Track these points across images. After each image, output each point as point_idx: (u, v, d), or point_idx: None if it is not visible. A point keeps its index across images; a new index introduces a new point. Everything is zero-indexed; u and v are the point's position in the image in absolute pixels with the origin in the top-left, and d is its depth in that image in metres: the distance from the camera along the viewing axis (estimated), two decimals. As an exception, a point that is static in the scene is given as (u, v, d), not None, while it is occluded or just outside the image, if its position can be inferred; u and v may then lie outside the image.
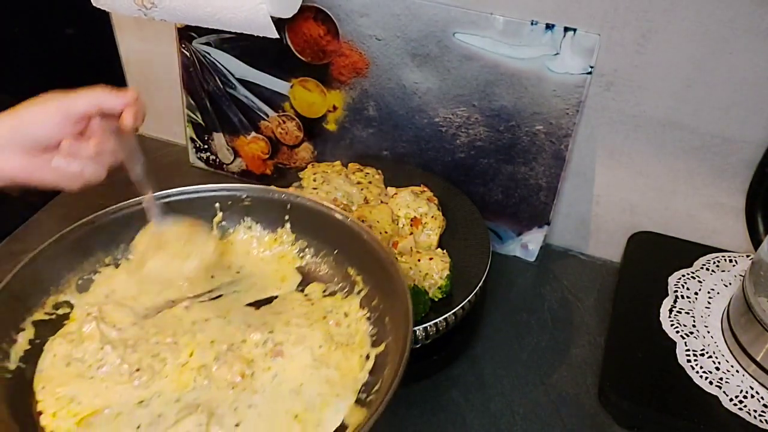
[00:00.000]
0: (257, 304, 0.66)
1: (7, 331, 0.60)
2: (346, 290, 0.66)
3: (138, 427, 0.55)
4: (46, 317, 0.63)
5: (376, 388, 0.57)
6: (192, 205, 0.69)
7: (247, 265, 0.70)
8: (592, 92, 0.77)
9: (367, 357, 0.60)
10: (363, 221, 0.76)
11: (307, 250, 0.70)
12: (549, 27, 0.73)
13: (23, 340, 0.61)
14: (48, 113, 0.60)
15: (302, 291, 0.67)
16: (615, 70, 0.75)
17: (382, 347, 0.59)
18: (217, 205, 0.70)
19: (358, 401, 0.57)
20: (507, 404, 0.72)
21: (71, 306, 0.65)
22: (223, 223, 0.71)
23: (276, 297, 0.67)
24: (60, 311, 0.64)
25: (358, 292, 0.65)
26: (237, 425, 0.55)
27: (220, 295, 0.67)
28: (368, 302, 0.64)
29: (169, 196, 0.68)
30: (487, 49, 0.77)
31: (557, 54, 0.74)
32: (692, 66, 0.72)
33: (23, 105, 0.60)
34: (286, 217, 0.69)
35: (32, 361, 0.60)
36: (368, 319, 0.63)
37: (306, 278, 0.68)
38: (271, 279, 0.68)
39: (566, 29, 0.73)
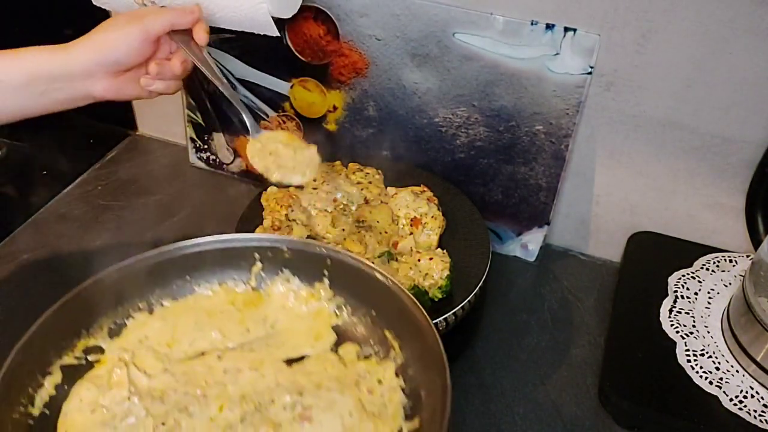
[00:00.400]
0: (289, 361, 0.64)
1: (34, 375, 0.59)
2: (381, 355, 0.63)
3: None
4: (75, 362, 0.62)
5: None
6: (230, 254, 0.68)
7: (282, 319, 0.67)
8: (592, 92, 0.77)
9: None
10: (363, 221, 0.76)
11: (344, 308, 0.67)
12: (549, 27, 0.73)
13: (50, 385, 0.59)
14: (129, 38, 0.63)
15: (336, 351, 0.65)
16: (615, 70, 0.75)
17: (416, 423, 0.56)
18: (257, 255, 0.68)
19: None
20: (507, 404, 0.72)
21: (102, 351, 0.64)
22: (262, 274, 0.69)
23: (309, 355, 0.65)
24: (90, 356, 0.63)
25: (394, 359, 0.62)
26: None
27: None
28: (404, 371, 0.60)
29: (208, 243, 0.67)
30: (487, 49, 0.77)
31: (557, 54, 0.74)
32: (692, 66, 0.72)
33: (101, 30, 0.64)
34: (325, 272, 0.67)
35: (57, 405, 0.59)
36: (403, 390, 0.59)
37: (341, 338, 0.66)
38: (305, 336, 0.66)
39: (566, 29, 0.73)
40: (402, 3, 0.77)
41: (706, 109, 0.74)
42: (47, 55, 0.62)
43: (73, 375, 0.61)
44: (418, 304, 0.59)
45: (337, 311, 0.67)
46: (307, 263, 0.67)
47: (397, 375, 0.61)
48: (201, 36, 0.67)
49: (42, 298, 0.81)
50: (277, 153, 0.70)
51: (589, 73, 0.74)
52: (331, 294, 0.68)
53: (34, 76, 0.61)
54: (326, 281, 0.67)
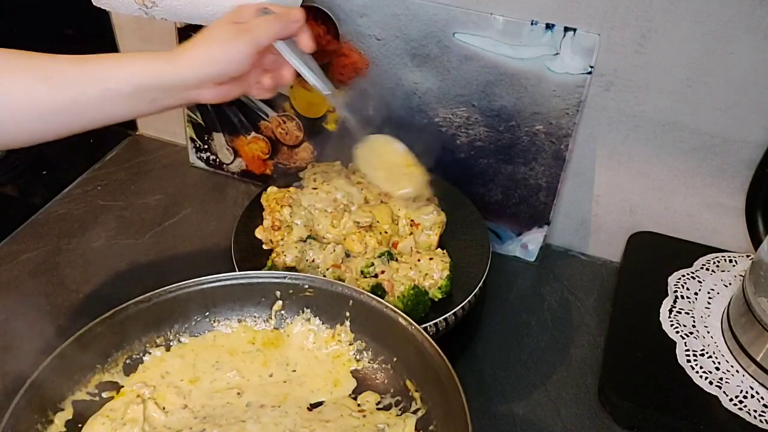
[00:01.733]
0: (308, 406, 0.62)
1: (44, 411, 0.57)
2: (401, 406, 0.61)
3: None
4: (88, 398, 0.60)
5: None
6: (251, 290, 0.66)
7: (302, 362, 0.65)
8: (592, 92, 0.77)
9: None
10: (363, 221, 0.76)
11: (365, 353, 0.65)
12: (549, 27, 0.73)
13: (60, 421, 0.58)
14: (240, 53, 0.62)
15: (355, 399, 0.63)
16: (615, 70, 0.75)
17: None
18: (278, 293, 0.67)
19: None
20: (507, 404, 0.72)
21: (117, 387, 0.62)
22: (282, 312, 0.67)
23: (326, 401, 0.63)
24: (105, 393, 0.61)
25: (415, 411, 0.59)
26: None
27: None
28: (425, 425, 0.58)
29: (229, 279, 0.66)
30: (487, 49, 0.77)
31: (557, 54, 0.74)
32: (692, 66, 0.72)
33: (209, 42, 0.63)
34: (347, 314, 0.65)
35: None
36: None
37: (360, 384, 0.64)
38: (323, 381, 0.64)
39: (566, 29, 0.73)
40: (402, 3, 0.77)
41: (706, 109, 0.74)
42: (155, 67, 0.61)
43: (85, 411, 0.59)
44: (441, 353, 0.57)
45: (357, 356, 0.66)
46: (330, 303, 0.66)
47: (417, 430, 0.58)
48: (307, 44, 0.67)
49: (42, 298, 0.82)
50: (385, 159, 0.71)
51: (589, 72, 0.74)
52: (352, 337, 0.66)
53: (143, 87, 0.61)
54: (348, 323, 0.66)
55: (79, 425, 0.58)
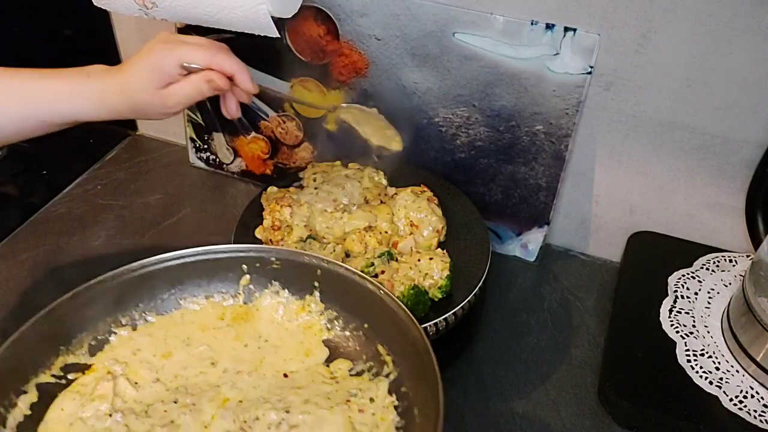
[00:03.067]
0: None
1: (7, 394, 0.55)
2: (374, 371, 0.61)
3: None
4: (53, 380, 0.59)
5: None
6: (217, 266, 0.65)
7: (273, 335, 0.65)
8: (591, 92, 0.77)
9: None
10: (363, 222, 0.76)
11: (335, 321, 0.65)
12: (549, 27, 0.73)
13: (24, 405, 0.56)
14: (154, 112, 0.64)
15: (327, 366, 0.63)
16: (615, 70, 0.75)
17: None
18: (245, 266, 0.66)
19: None
20: (506, 404, 0.72)
21: (83, 368, 0.61)
22: (250, 286, 0.67)
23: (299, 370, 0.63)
24: (70, 375, 0.60)
25: (387, 375, 0.60)
26: None
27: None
28: (397, 388, 0.58)
29: (192, 255, 0.65)
30: (487, 49, 0.77)
31: (557, 54, 0.74)
32: (692, 66, 0.72)
33: (129, 85, 0.63)
34: (316, 284, 0.65)
35: (31, 426, 0.56)
36: (396, 408, 0.57)
37: (333, 353, 0.64)
38: (295, 351, 0.64)
39: (566, 29, 0.73)
40: (402, 3, 0.77)
41: (706, 109, 0.74)
42: (89, 102, 0.63)
43: (51, 393, 0.58)
44: (412, 316, 0.57)
45: (328, 325, 0.65)
46: (297, 275, 0.65)
47: (390, 393, 0.59)
48: (231, 111, 0.70)
49: (42, 298, 0.82)
50: (364, 122, 0.74)
51: (589, 72, 0.74)
52: (323, 307, 0.66)
53: (79, 121, 0.63)
54: (317, 294, 0.65)
55: (43, 407, 0.58)
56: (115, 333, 0.64)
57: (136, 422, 0.56)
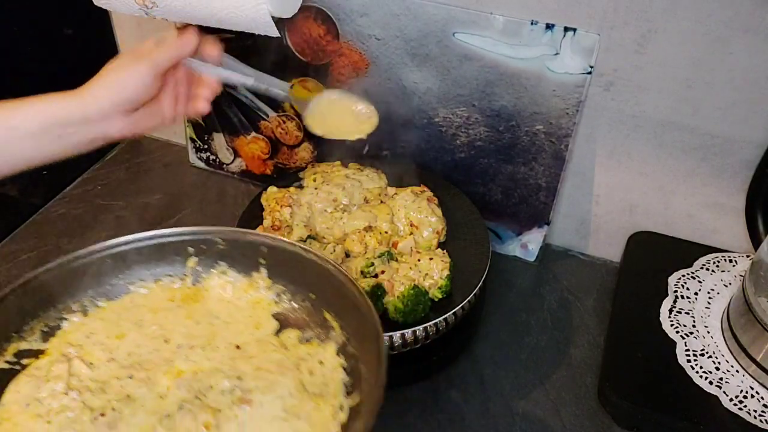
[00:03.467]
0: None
1: None
2: (322, 337, 0.63)
3: None
4: (7, 366, 0.59)
5: None
6: (163, 250, 0.66)
7: (223, 313, 0.66)
8: (592, 92, 0.77)
9: (341, 408, 0.56)
10: (363, 222, 0.76)
11: (283, 295, 0.66)
12: (549, 27, 0.73)
13: None
14: (140, 76, 0.63)
15: (278, 336, 0.64)
16: (615, 70, 0.75)
17: (356, 398, 0.56)
18: (191, 249, 0.66)
19: None
20: (506, 404, 0.72)
21: (37, 354, 0.61)
22: (198, 268, 0.67)
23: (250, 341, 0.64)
24: (24, 360, 0.60)
25: (335, 339, 0.62)
26: None
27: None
28: (344, 349, 0.61)
29: (139, 240, 0.66)
30: (487, 49, 0.77)
31: (557, 54, 0.74)
32: (692, 66, 0.72)
33: (110, 71, 0.64)
34: (262, 261, 0.66)
35: None
36: (344, 368, 0.59)
37: (282, 324, 0.65)
38: (245, 326, 0.65)
39: (566, 29, 0.73)
40: (402, 3, 0.77)
41: (706, 109, 0.74)
42: (61, 101, 0.62)
43: (5, 380, 0.59)
44: (354, 280, 0.60)
45: (276, 299, 0.66)
46: (243, 253, 0.66)
47: (338, 354, 0.61)
48: (213, 54, 0.69)
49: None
50: (333, 113, 0.72)
51: (589, 72, 0.74)
52: (270, 282, 0.67)
53: (50, 122, 0.61)
54: (263, 270, 0.66)
55: (2, 391, 0.59)
56: (67, 319, 0.64)
57: (93, 398, 0.58)
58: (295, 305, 0.65)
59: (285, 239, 0.65)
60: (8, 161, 0.61)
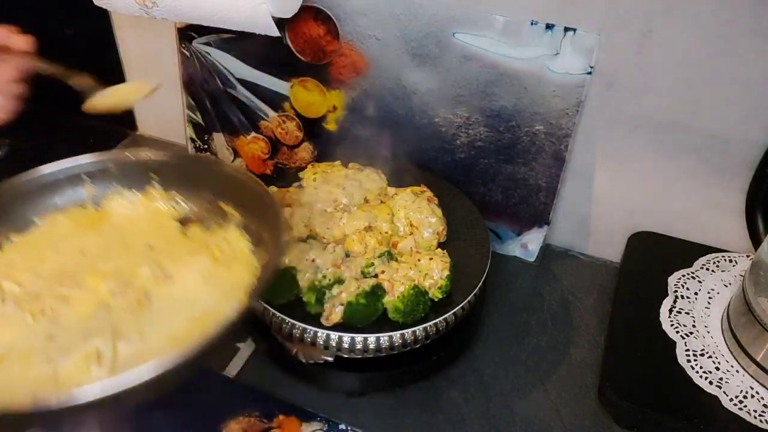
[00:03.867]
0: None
1: None
2: (222, 223, 0.70)
3: (47, 357, 0.56)
4: None
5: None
6: (60, 182, 0.70)
7: (128, 228, 0.71)
8: (592, 92, 0.77)
9: (253, 268, 0.63)
10: (363, 222, 0.76)
11: (179, 201, 0.72)
12: (549, 27, 0.73)
13: None
14: None
15: (183, 233, 0.70)
16: (615, 70, 0.75)
17: (264, 256, 0.63)
18: (86, 177, 0.71)
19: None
20: (506, 404, 0.72)
21: None
22: (96, 193, 0.71)
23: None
24: None
25: (235, 222, 0.69)
26: (141, 334, 0.58)
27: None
28: (245, 227, 0.68)
29: (33, 175, 0.69)
30: (487, 49, 0.77)
31: (557, 54, 0.74)
32: (692, 66, 0.72)
33: None
34: (153, 176, 0.72)
35: None
36: (249, 240, 0.67)
37: (186, 223, 0.71)
38: (153, 234, 0.71)
39: (566, 29, 0.73)
40: (402, 3, 0.77)
41: (706, 109, 0.74)
42: None
43: None
44: (238, 168, 0.68)
45: (174, 205, 0.72)
46: (134, 172, 0.72)
47: (240, 232, 0.68)
48: (19, 43, 0.70)
49: (42, 298, 0.81)
50: (114, 93, 0.74)
51: (589, 73, 0.74)
52: (164, 193, 0.72)
53: None
54: (156, 183, 0.71)
55: None
56: None
57: (30, 304, 0.61)
58: (193, 206, 0.72)
59: (168, 153, 0.73)
60: None
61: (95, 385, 0.46)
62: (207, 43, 0.90)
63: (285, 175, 0.91)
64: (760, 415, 0.65)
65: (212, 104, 0.96)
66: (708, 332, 0.73)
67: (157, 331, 0.58)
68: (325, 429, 0.68)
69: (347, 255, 0.74)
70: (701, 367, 0.70)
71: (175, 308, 0.60)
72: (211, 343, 0.49)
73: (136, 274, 0.63)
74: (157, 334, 0.58)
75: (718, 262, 0.81)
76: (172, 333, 0.57)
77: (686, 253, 0.82)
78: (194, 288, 0.62)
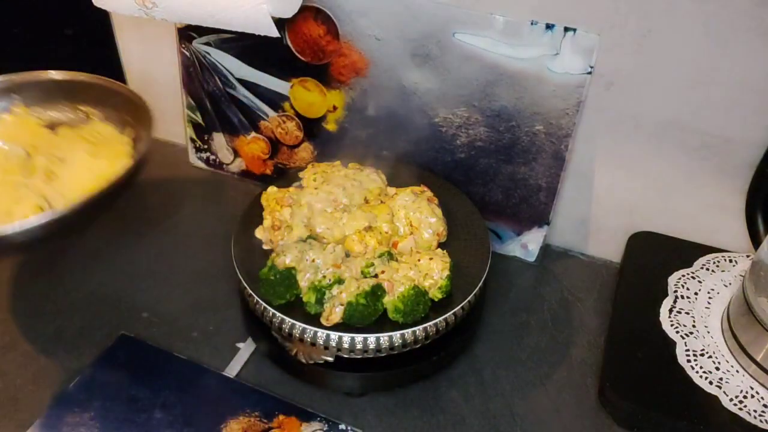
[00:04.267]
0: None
1: None
2: (86, 121, 0.84)
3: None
4: None
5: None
6: None
7: (7, 142, 0.83)
8: (592, 92, 0.77)
9: (126, 142, 0.81)
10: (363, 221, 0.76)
11: (41, 111, 0.84)
12: (549, 27, 0.73)
13: None
14: None
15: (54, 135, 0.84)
16: (615, 70, 0.75)
17: (133, 132, 0.78)
18: None
19: None
20: (507, 404, 0.72)
21: None
22: None
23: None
24: None
25: (97, 116, 0.83)
26: (62, 196, 0.75)
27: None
28: (108, 119, 0.83)
29: None
30: (487, 49, 0.77)
31: (557, 54, 0.74)
32: (692, 66, 0.72)
33: None
34: (13, 95, 0.83)
35: None
36: (114, 127, 0.82)
37: (53, 129, 0.83)
38: (24, 141, 0.82)
39: (566, 29, 0.73)
40: (402, 3, 0.77)
41: (706, 109, 0.74)
42: None
43: None
44: (85, 74, 0.82)
45: (37, 116, 0.85)
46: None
47: (104, 124, 0.83)
48: None
49: (42, 299, 0.82)
50: None
51: (589, 72, 0.74)
52: (26, 108, 0.84)
53: None
54: (18, 101, 0.83)
55: None
56: None
57: None
58: (56, 114, 0.85)
59: (24, 75, 0.85)
60: None
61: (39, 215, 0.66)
62: (207, 43, 0.90)
63: (285, 175, 0.91)
64: (760, 415, 0.65)
65: (212, 104, 0.96)
66: (708, 332, 0.73)
67: (69, 191, 0.78)
68: (325, 429, 0.68)
69: (347, 255, 0.74)
70: (701, 367, 0.70)
71: (77, 176, 0.79)
72: (113, 185, 0.71)
73: (35, 165, 0.78)
74: (71, 193, 0.77)
75: (718, 262, 0.81)
76: (82, 190, 0.73)
77: (686, 253, 0.82)
78: (85, 162, 0.79)
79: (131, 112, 0.81)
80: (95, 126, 0.84)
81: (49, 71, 0.85)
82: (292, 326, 0.68)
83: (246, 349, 0.77)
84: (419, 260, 0.72)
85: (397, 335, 0.67)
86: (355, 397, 0.72)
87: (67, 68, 0.94)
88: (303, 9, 0.80)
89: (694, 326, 0.74)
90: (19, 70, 0.92)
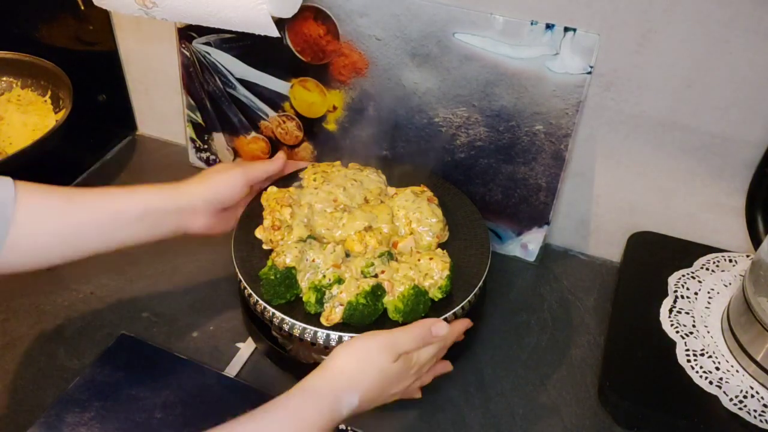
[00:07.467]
0: None
1: None
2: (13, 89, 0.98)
3: None
4: None
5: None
6: None
7: None
8: (591, 92, 0.77)
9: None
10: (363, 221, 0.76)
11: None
12: (549, 27, 0.73)
13: None
14: (233, 179, 0.75)
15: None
16: (615, 70, 0.75)
17: (65, 110, 0.90)
18: None
19: None
20: (507, 404, 0.72)
21: None
22: None
23: None
24: None
25: (19, 86, 0.98)
26: (9, 145, 0.90)
27: None
28: (31, 86, 0.98)
29: None
30: (487, 49, 0.77)
31: (557, 54, 0.74)
32: (692, 66, 0.72)
33: (208, 173, 0.75)
34: None
35: None
36: (38, 93, 0.97)
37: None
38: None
39: (566, 29, 0.73)
40: (402, 3, 0.77)
41: (706, 109, 0.74)
42: (159, 192, 0.70)
43: None
44: (10, 52, 0.94)
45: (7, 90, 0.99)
46: None
47: (26, 90, 0.98)
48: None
49: (42, 298, 0.82)
50: None
51: (589, 72, 0.74)
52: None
53: (149, 210, 0.68)
54: None
55: None
56: None
57: None
58: (23, 83, 0.99)
59: None
60: (109, 242, 0.68)
61: None
62: (207, 43, 0.90)
63: (285, 175, 0.91)
64: (760, 415, 0.65)
65: (212, 104, 0.96)
66: (708, 332, 0.73)
67: (16, 142, 0.90)
68: (325, 429, 0.68)
69: (347, 255, 0.74)
70: (701, 367, 0.70)
71: (16, 128, 0.92)
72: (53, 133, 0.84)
73: None
74: (18, 140, 0.90)
75: (718, 262, 0.81)
76: (24, 137, 0.89)
77: (686, 253, 0.82)
78: (20, 117, 0.92)
79: (49, 79, 0.96)
80: (19, 92, 0.97)
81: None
82: (292, 326, 0.68)
83: (246, 349, 0.77)
84: (419, 260, 0.72)
85: (397, 335, 0.67)
86: (355, 397, 0.72)
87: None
88: (303, 9, 0.80)
89: (694, 326, 0.74)
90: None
